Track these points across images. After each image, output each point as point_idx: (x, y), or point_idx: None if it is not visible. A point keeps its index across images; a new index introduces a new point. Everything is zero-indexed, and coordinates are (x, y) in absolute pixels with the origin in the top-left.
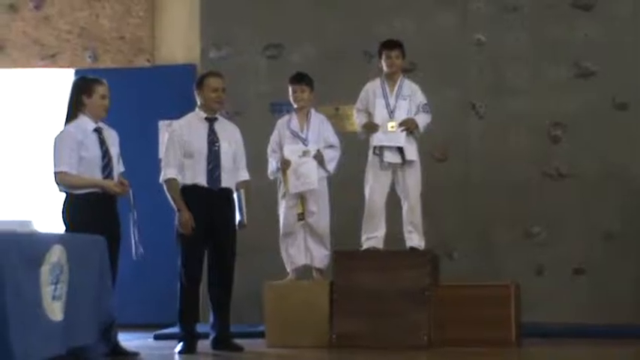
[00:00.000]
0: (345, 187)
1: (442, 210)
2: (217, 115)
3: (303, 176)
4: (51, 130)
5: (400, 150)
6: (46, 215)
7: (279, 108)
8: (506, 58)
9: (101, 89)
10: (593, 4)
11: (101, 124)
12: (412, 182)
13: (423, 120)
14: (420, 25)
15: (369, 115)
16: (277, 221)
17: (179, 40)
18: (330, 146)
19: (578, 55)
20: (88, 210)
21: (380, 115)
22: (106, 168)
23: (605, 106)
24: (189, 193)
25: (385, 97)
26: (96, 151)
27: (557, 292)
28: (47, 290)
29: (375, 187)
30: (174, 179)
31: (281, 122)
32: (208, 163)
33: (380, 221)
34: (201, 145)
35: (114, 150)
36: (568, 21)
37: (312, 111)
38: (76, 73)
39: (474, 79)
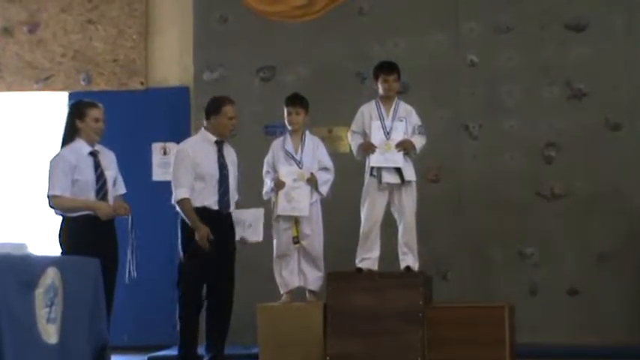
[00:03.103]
0: (338, 209)
1: (436, 231)
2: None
3: (295, 201)
4: (46, 154)
5: (398, 171)
6: (41, 238)
7: (274, 130)
8: (499, 78)
9: (94, 112)
10: (585, 25)
11: (98, 147)
12: (409, 202)
13: (419, 141)
14: (412, 46)
15: (365, 136)
16: (271, 243)
17: (172, 63)
18: (325, 169)
19: (570, 75)
20: (84, 233)
21: (377, 136)
22: (100, 191)
23: (599, 126)
24: (200, 215)
25: (381, 119)
26: (90, 175)
27: (552, 312)
28: (42, 313)
29: (372, 208)
30: (188, 199)
31: (276, 143)
32: (220, 187)
33: (375, 242)
34: (212, 169)
35: (110, 173)
36: (561, 41)
37: (307, 133)
38: (70, 96)
39: (466, 100)
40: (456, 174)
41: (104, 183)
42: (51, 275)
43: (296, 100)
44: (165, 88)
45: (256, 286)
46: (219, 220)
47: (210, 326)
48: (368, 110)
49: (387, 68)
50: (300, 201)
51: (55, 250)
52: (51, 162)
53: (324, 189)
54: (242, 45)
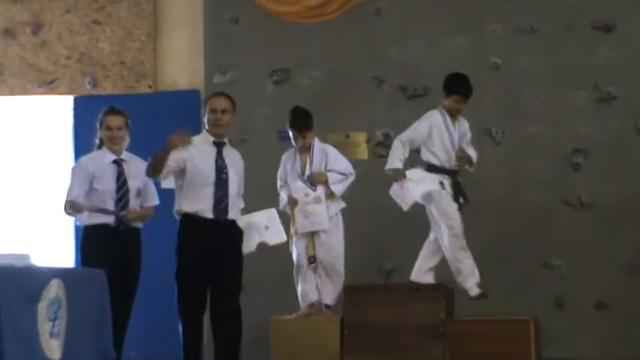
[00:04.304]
0: (355, 217)
1: None
2: (225, 140)
3: (312, 215)
4: (50, 161)
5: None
6: (45, 248)
7: (287, 135)
8: (523, 81)
9: (107, 120)
10: (614, 26)
11: (126, 156)
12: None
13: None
14: (433, 48)
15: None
16: (284, 253)
17: (182, 65)
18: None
19: (598, 78)
20: (100, 243)
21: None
22: (121, 201)
23: (628, 131)
24: (191, 221)
25: (449, 131)
26: (110, 184)
27: (579, 326)
28: (45, 327)
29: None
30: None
31: (286, 157)
32: (216, 192)
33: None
34: (208, 171)
35: (134, 183)
36: (588, 43)
37: (316, 144)
38: (75, 100)
39: (489, 104)
40: (478, 181)
41: (125, 192)
42: (55, 288)
43: (300, 124)
44: (174, 91)
45: (267, 298)
46: (213, 228)
47: (216, 343)
48: (436, 122)
49: (465, 89)
50: (317, 215)
51: (59, 260)
52: (73, 167)
53: (338, 187)
54: (254, 47)
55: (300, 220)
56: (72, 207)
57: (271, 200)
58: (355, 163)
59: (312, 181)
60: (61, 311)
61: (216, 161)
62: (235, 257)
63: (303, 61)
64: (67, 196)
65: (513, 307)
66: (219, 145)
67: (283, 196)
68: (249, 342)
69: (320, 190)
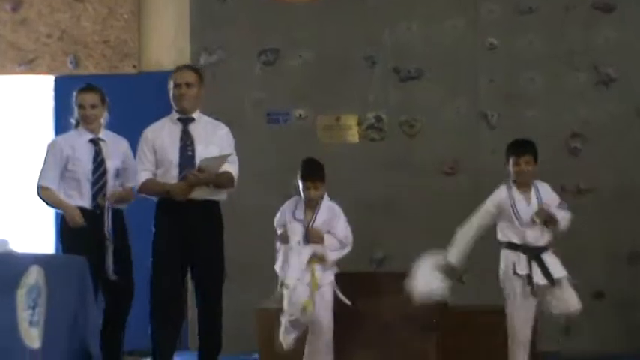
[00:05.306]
0: (344, 206)
1: (450, 229)
2: (194, 116)
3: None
4: (30, 143)
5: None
6: (24, 234)
7: (276, 118)
8: (520, 63)
9: (79, 98)
10: (614, 6)
11: (104, 135)
12: None
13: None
14: (426, 29)
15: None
16: (270, 242)
17: (167, 45)
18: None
19: (598, 60)
20: (79, 230)
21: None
22: (98, 182)
23: (629, 115)
24: (162, 206)
25: (514, 209)
26: (87, 165)
27: (576, 317)
28: (24, 315)
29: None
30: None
31: (286, 208)
32: (180, 171)
33: None
34: (171, 152)
35: (112, 163)
36: (587, 23)
37: (325, 201)
38: (57, 80)
39: (485, 87)
40: (473, 167)
41: (103, 173)
42: (34, 274)
43: (315, 175)
44: (159, 72)
45: (257, 285)
46: (181, 210)
47: (199, 332)
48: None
49: (518, 148)
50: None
51: (39, 246)
52: (47, 147)
53: (332, 255)
54: (242, 26)
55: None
56: (44, 194)
57: (259, 183)
58: (346, 146)
59: (309, 237)
60: (40, 298)
61: (181, 139)
62: (211, 241)
63: (292, 42)
64: (39, 179)
65: None
66: (185, 122)
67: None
68: (235, 333)
69: (309, 250)
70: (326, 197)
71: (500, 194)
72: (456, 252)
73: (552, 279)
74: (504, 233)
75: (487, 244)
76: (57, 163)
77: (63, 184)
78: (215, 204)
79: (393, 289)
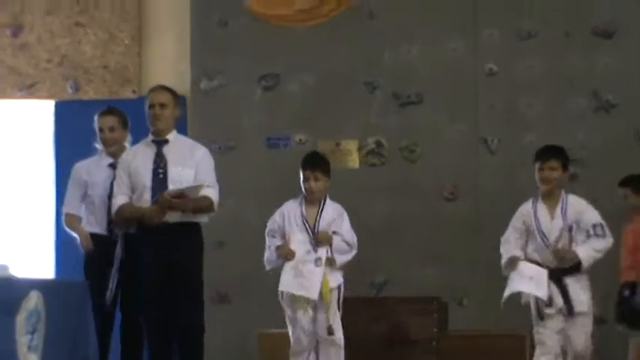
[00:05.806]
0: None
1: (451, 253)
2: (169, 137)
3: (304, 278)
4: (30, 167)
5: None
6: (24, 258)
7: (276, 143)
8: (520, 88)
9: (98, 122)
10: (614, 32)
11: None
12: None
13: (591, 249)
14: (427, 53)
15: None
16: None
17: (168, 70)
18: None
19: (597, 85)
20: (95, 255)
21: None
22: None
23: (628, 140)
24: (139, 229)
25: (537, 223)
26: (103, 190)
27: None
28: (23, 340)
29: None
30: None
31: (289, 206)
32: (153, 195)
33: None
34: (144, 177)
35: None
36: (587, 49)
37: (328, 200)
38: (57, 104)
39: (485, 112)
40: (473, 191)
41: None
42: (34, 299)
43: (315, 162)
44: None
45: (253, 310)
46: (154, 234)
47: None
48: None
49: (543, 152)
50: (309, 279)
51: (39, 272)
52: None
53: (341, 258)
54: (243, 51)
55: (287, 278)
56: (64, 220)
57: (260, 208)
58: (346, 172)
59: (317, 240)
60: (39, 324)
61: (154, 161)
62: (188, 266)
63: (293, 66)
64: (64, 206)
65: (509, 322)
66: (159, 144)
67: (272, 248)
68: (236, 357)
69: (322, 253)
70: (328, 199)
71: (525, 207)
72: (508, 248)
73: (572, 310)
74: (527, 251)
75: (487, 270)
76: (77, 189)
77: (85, 209)
78: (194, 225)
79: (394, 313)
